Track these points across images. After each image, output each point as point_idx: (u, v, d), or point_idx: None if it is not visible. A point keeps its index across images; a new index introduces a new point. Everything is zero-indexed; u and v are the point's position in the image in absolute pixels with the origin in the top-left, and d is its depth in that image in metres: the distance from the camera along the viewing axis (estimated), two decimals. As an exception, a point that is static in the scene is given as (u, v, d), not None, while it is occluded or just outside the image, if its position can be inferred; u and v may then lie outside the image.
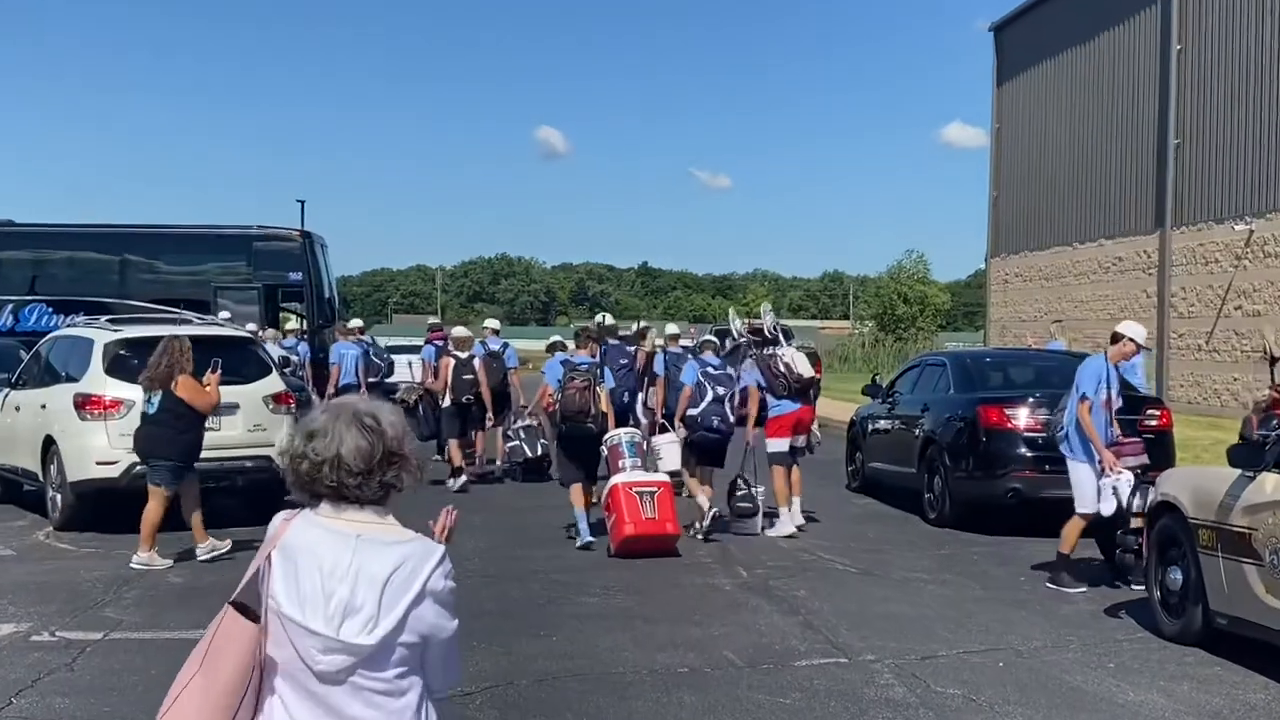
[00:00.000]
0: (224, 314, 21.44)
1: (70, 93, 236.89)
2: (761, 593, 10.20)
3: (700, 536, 12.58)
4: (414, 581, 2.89)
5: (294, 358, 22.36)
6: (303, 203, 34.85)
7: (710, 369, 13.00)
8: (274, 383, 13.72)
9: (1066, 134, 35.48)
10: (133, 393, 12.78)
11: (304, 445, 2.98)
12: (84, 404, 12.74)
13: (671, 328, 17.52)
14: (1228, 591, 8.01)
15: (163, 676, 7.47)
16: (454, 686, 3.10)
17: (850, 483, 16.83)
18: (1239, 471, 8.00)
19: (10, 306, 27.08)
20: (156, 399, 11.34)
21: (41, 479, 13.45)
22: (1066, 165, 35.38)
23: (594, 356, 12.89)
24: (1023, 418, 13.10)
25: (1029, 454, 13.00)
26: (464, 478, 16.61)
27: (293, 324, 26.36)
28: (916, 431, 14.43)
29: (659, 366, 15.73)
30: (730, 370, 13.19)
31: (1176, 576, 8.60)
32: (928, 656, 8.19)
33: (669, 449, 13.06)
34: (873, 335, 67.06)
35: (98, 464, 12.66)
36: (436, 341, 19.76)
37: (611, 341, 15.89)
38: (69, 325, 15.34)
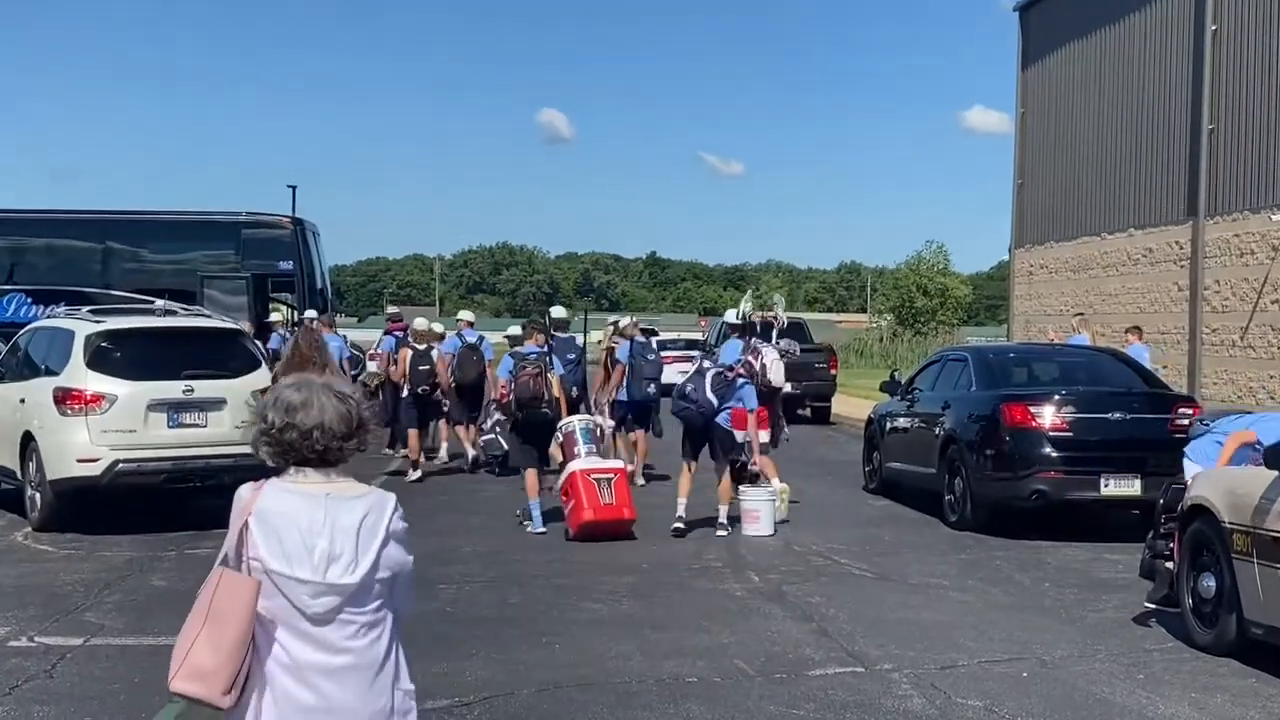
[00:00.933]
0: (394, 308, 21.16)
1: (49, 71, 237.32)
2: (774, 598, 10.19)
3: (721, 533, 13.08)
4: (379, 527, 3.56)
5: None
6: (294, 188, 34.99)
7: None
8: (263, 377, 13.71)
9: (1094, 118, 35.40)
10: (116, 387, 12.81)
11: (288, 417, 3.56)
12: (64, 399, 12.76)
13: (624, 320, 18.51)
14: (1263, 599, 7.98)
15: (146, 684, 7.56)
16: (411, 614, 3.80)
17: (867, 484, 16.82)
18: (1276, 473, 7.97)
19: None
20: None
21: (20, 477, 13.47)
22: (1094, 151, 35.30)
23: (541, 346, 13.94)
24: (1048, 416, 13.09)
25: (1054, 454, 12.99)
26: (420, 471, 17.42)
27: (277, 315, 26.34)
28: (937, 430, 14.41)
29: (623, 354, 16.72)
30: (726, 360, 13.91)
31: (1210, 584, 8.58)
32: (948, 666, 8.18)
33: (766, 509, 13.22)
34: (891, 329, 67.04)
35: (78, 461, 12.68)
36: (396, 333, 20.38)
37: (561, 335, 16.91)
38: (49, 316, 15.29)
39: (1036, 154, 39.41)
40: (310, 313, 21.93)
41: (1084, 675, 8.01)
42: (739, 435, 13.13)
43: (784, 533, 13.28)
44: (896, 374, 17.87)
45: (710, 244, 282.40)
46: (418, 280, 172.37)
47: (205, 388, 13.19)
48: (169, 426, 12.97)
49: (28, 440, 13.21)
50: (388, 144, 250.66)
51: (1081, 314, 24.37)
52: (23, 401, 13.48)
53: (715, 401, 12.86)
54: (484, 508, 15.04)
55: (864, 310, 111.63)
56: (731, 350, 14.58)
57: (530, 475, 13.14)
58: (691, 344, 38.44)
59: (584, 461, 12.81)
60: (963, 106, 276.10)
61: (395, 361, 18.76)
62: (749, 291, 20.67)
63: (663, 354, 38.66)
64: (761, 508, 13.12)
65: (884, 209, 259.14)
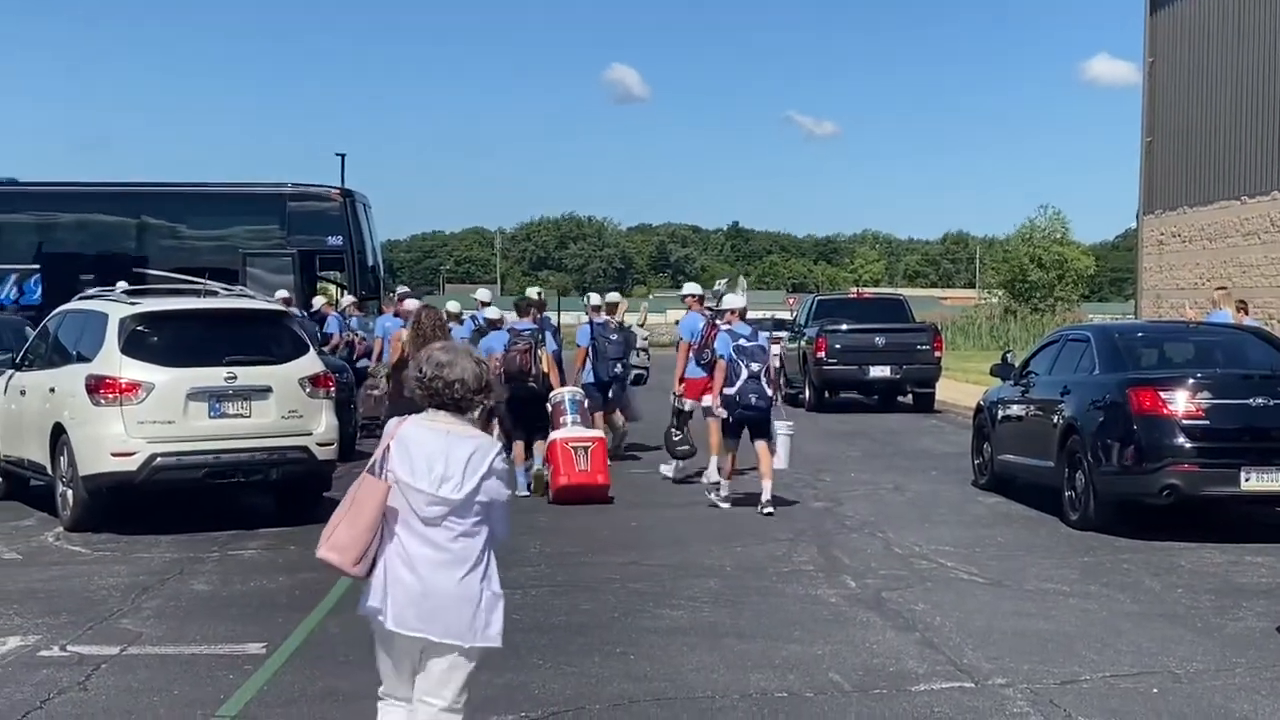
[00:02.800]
0: (404, 288, 21.50)
1: (77, 32, 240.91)
2: (873, 605, 10.17)
3: (769, 510, 14.35)
4: (484, 463, 5.25)
5: (358, 335, 22.75)
6: (343, 156, 35.41)
7: (744, 341, 14.68)
8: (310, 363, 13.89)
9: (1234, 67, 34.84)
10: (153, 375, 13.00)
11: (437, 371, 5.30)
12: (97, 387, 12.97)
13: (594, 298, 19.91)
14: None
15: (186, 697, 7.69)
16: (505, 538, 5.45)
17: (977, 478, 16.72)
18: None
19: (14, 277, 27.64)
20: None
21: (50, 473, 13.73)
22: (1234, 104, 34.75)
23: (535, 323, 16.27)
24: (1181, 402, 12.93)
25: (1188, 445, 12.83)
26: None
27: (321, 298, 26.61)
28: (1055, 418, 14.28)
29: (583, 337, 18.37)
30: (762, 342, 14.92)
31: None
32: (1068, 681, 8.13)
33: (785, 441, 15.08)
34: (1002, 306, 66.50)
35: (113, 456, 12.88)
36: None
37: (549, 314, 18.75)
38: (80, 298, 15.56)
39: (1168, 108, 38.88)
40: (404, 289, 22.08)
41: (1221, 691, 7.92)
42: (689, 403, 16.54)
43: (884, 533, 13.26)
44: (1009, 356, 17.70)
45: (799, 213, 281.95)
46: (477, 256, 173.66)
47: (249, 375, 13.36)
48: (210, 417, 13.15)
49: (58, 433, 13.45)
50: (443, 108, 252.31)
51: (1224, 288, 23.98)
52: (53, 391, 13.73)
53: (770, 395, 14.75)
54: (550, 507, 15.11)
55: (972, 285, 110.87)
56: (691, 322, 17.28)
57: (517, 445, 15.57)
58: (780, 324, 38.34)
59: (565, 431, 15.20)
60: (1085, 55, 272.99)
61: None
62: (741, 279, 23.46)
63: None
64: (783, 441, 14.87)
65: (994, 173, 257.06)
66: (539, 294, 19.44)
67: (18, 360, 15.11)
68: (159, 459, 12.96)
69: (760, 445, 14.64)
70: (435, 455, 5.23)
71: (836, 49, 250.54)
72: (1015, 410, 15.76)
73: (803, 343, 28.91)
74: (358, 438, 20.23)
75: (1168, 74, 38.89)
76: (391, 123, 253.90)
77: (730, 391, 14.53)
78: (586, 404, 16.33)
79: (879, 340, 27.96)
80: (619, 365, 18.14)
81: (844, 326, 28.21)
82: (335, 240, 28.26)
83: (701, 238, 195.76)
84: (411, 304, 19.62)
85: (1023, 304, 64.94)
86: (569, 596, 10.50)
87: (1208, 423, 12.88)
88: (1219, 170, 35.65)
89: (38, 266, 27.89)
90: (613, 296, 19.90)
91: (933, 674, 8.28)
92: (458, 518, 5.23)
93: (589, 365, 18.24)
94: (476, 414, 5.36)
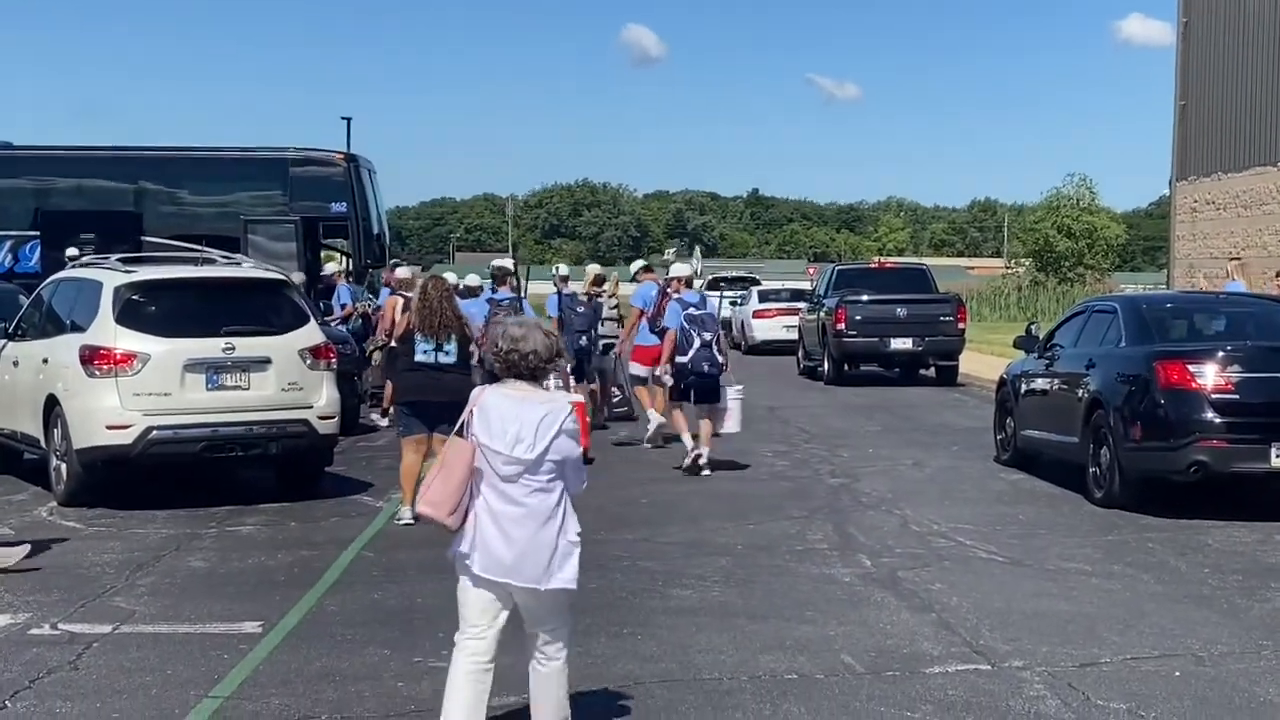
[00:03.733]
0: (503, 260, 21.72)
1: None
2: (888, 585, 10.18)
3: (707, 471, 15.30)
4: (555, 424, 6.10)
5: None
6: (349, 121, 35.25)
7: (693, 310, 15.55)
8: (311, 334, 13.90)
9: (1270, 29, 34.62)
10: (148, 345, 13.01)
11: (512, 344, 6.18)
12: (91, 358, 12.99)
13: (563, 269, 20.87)
14: None
15: (179, 676, 7.73)
16: (579, 492, 6.33)
17: (999, 454, 16.70)
18: None
19: (9, 244, 27.71)
20: (452, 347, 12.44)
21: (44, 446, 13.78)
22: (1270, 67, 34.54)
23: (513, 292, 17.79)
24: (1210, 375, 12.88)
25: (1218, 420, 12.78)
26: (388, 420, 18.62)
27: (333, 265, 26.61)
28: (1080, 393, 14.25)
29: (552, 308, 18.82)
30: (711, 310, 15.85)
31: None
32: (1088, 663, 8.12)
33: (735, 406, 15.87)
34: (1030, 276, 66.33)
35: (108, 429, 12.92)
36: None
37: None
38: (75, 265, 15.58)
39: (1203, 70, 38.67)
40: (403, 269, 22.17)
41: (1245, 675, 7.91)
42: (644, 370, 17.76)
43: (901, 511, 13.26)
44: (1034, 328, 17.66)
45: (821, 180, 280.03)
46: (488, 223, 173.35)
47: (248, 345, 13.38)
48: (208, 389, 13.17)
49: (52, 405, 13.49)
50: (452, 70, 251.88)
51: (1238, 258, 23.90)
52: (46, 361, 13.77)
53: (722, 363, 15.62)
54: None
55: (999, 254, 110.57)
56: (644, 291, 18.15)
57: None
58: (797, 294, 38.31)
59: None
60: (1118, 15, 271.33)
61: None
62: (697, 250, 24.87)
63: (764, 306, 39.07)
64: (732, 405, 15.62)
65: (1024, 137, 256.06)
66: (514, 263, 20.24)
67: (10, 330, 15.12)
68: (155, 432, 12.99)
69: (706, 410, 15.53)
70: (510, 419, 6.11)
71: (858, 8, 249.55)
72: (1039, 384, 15.72)
73: (822, 314, 28.86)
74: (362, 409, 20.30)
75: (1202, 35, 38.66)
76: (400, 86, 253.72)
77: (683, 360, 15.34)
78: (566, 369, 16.87)
79: (900, 311, 27.89)
80: (584, 337, 18.60)
81: (864, 297, 28.16)
82: (339, 207, 28.28)
83: (720, 205, 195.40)
84: (404, 272, 19.98)
85: (1050, 274, 64.78)
86: (575, 575, 10.50)
87: (1237, 397, 12.83)
88: (1254, 135, 35.47)
89: (35, 233, 27.94)
90: (593, 268, 20.66)
91: (948, 656, 8.29)
92: (532, 475, 6.10)
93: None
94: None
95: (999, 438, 16.87)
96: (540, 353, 6.18)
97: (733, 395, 15.76)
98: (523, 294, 19.94)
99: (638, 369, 18.07)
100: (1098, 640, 8.64)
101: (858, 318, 27.67)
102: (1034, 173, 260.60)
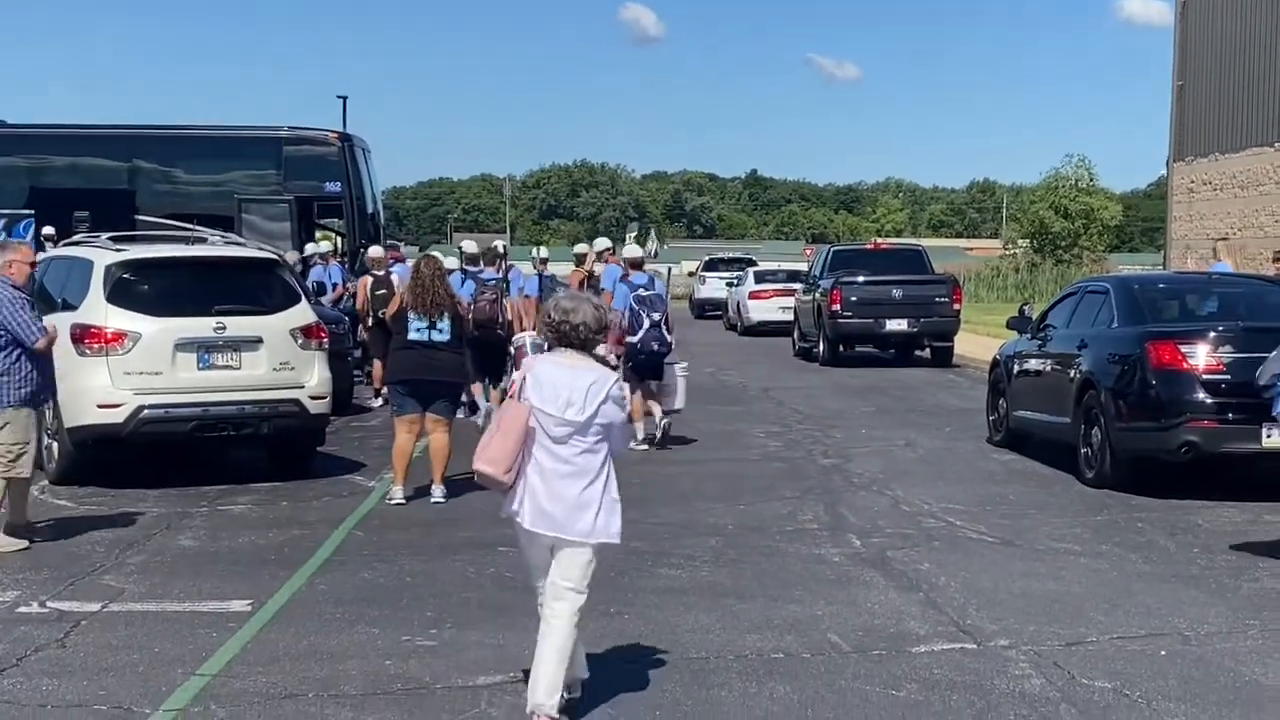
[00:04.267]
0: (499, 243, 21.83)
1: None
2: (877, 565, 10.21)
3: (653, 446, 15.76)
4: (602, 390, 6.64)
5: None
6: (345, 99, 35.22)
7: (642, 291, 16.08)
8: (303, 313, 13.89)
9: (1270, 9, 34.57)
10: (139, 324, 13.01)
11: (563, 316, 6.71)
12: (82, 337, 12.98)
13: (542, 251, 21.74)
14: None
15: (167, 654, 7.75)
16: (622, 453, 6.91)
17: (992, 435, 16.71)
18: None
19: (2, 222, 27.66)
20: (445, 325, 12.58)
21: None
22: (1269, 46, 34.50)
23: (499, 272, 18.20)
24: (1201, 356, 12.89)
25: (1209, 400, 12.78)
26: (381, 399, 18.91)
27: (326, 244, 26.60)
28: (1072, 373, 14.26)
29: (531, 288, 19.35)
30: (659, 290, 16.51)
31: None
32: (1074, 642, 8.16)
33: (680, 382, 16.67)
34: (1027, 257, 66.31)
35: (99, 407, 12.91)
36: (391, 261, 21.10)
37: (471, 268, 19.20)
38: (66, 244, 15.57)
39: (1200, 51, 38.63)
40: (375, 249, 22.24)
41: (1231, 654, 7.94)
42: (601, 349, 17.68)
43: (893, 491, 13.29)
44: (1027, 309, 17.65)
45: (820, 161, 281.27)
46: (486, 203, 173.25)
47: (239, 325, 13.37)
48: (199, 368, 13.17)
49: (44, 383, 13.45)
50: (450, 49, 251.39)
51: (1224, 238, 23.87)
52: (37, 340, 13.73)
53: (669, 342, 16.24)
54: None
55: (998, 235, 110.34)
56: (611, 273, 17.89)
57: (476, 387, 16.94)
58: (793, 275, 38.28)
59: None
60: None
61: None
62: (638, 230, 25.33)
63: (760, 287, 39.10)
64: (678, 382, 16.49)
65: (1023, 118, 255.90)
66: (504, 246, 20.81)
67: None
68: (146, 411, 12.99)
69: (652, 385, 16.20)
70: (561, 385, 6.64)
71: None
72: (1032, 365, 15.73)
73: (817, 295, 28.84)
74: (356, 390, 20.33)
75: (1200, 15, 38.61)
76: (397, 65, 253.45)
77: (633, 340, 15.79)
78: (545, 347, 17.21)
79: (896, 292, 27.88)
80: None
81: (860, 278, 28.13)
82: (333, 186, 28.21)
83: (718, 186, 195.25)
84: (375, 251, 20.46)
85: (1047, 256, 64.73)
86: (565, 554, 10.53)
87: (1228, 377, 12.83)
88: (1251, 116, 35.44)
89: (29, 211, 27.92)
90: (581, 247, 20.84)
91: (934, 635, 8.32)
92: (580, 436, 6.63)
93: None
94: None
95: (991, 418, 16.88)
96: (590, 324, 6.72)
97: (679, 371, 16.50)
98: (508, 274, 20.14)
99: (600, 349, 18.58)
100: (1084, 620, 8.66)
101: (853, 299, 27.65)
102: (1034, 154, 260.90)
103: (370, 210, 29.56)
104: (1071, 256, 63.45)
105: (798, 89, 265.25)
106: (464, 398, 16.34)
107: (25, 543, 10.68)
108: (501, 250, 20.00)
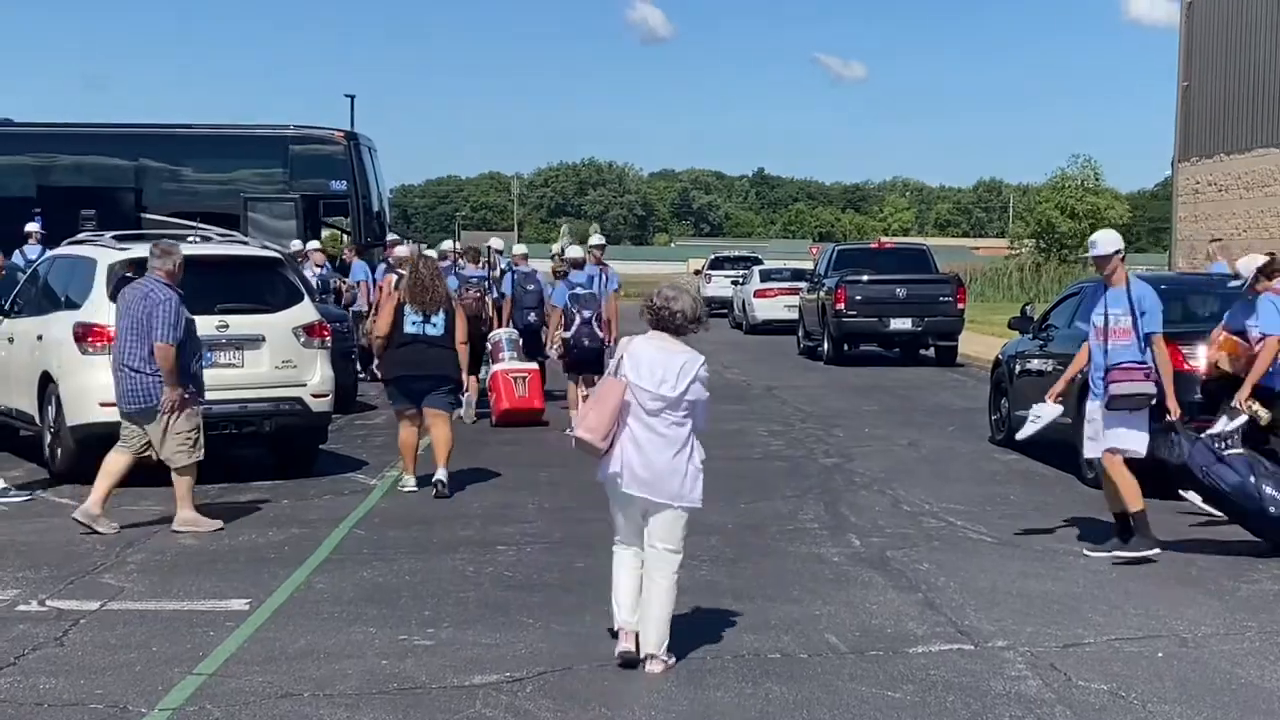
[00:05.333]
0: (495, 242, 22.30)
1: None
2: (876, 565, 10.19)
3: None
4: (691, 370, 7.43)
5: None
6: (352, 98, 35.40)
7: (579, 289, 17.23)
8: (305, 311, 13.89)
9: (1276, 9, 34.49)
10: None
11: (665, 303, 7.48)
12: (85, 335, 12.98)
13: (519, 248, 21.77)
14: None
15: (164, 653, 7.74)
16: (705, 429, 7.60)
17: (994, 434, 16.69)
18: None
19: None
20: (439, 319, 12.86)
21: (38, 423, 13.78)
22: (1273, 48, 34.42)
23: (482, 271, 19.33)
24: (1201, 358, 12.84)
25: (1209, 402, 12.72)
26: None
27: (314, 243, 26.54)
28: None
29: (506, 286, 19.91)
30: (595, 290, 17.36)
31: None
32: (1071, 644, 8.15)
33: None
34: (1032, 257, 66.21)
35: (101, 405, 12.83)
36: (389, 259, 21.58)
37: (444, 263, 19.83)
38: (70, 242, 15.55)
39: (1206, 51, 38.53)
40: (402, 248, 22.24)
41: (1228, 656, 7.92)
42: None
43: (894, 490, 13.27)
44: (1029, 309, 17.62)
45: (826, 160, 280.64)
46: (494, 201, 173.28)
47: (241, 323, 13.37)
48: (201, 366, 13.12)
49: (46, 382, 13.49)
50: (458, 48, 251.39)
51: (1219, 239, 23.80)
52: (40, 339, 13.76)
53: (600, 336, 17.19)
54: (554, 460, 15.13)
55: (1004, 235, 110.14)
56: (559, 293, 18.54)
57: (471, 379, 17.63)
58: (799, 274, 38.25)
59: (505, 364, 18.07)
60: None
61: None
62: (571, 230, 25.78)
63: (766, 285, 39.08)
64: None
65: (1030, 117, 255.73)
66: (495, 245, 21.77)
67: (6, 306, 15.12)
68: (215, 407, 12.93)
69: (583, 380, 16.99)
70: (656, 364, 7.45)
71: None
72: (1034, 364, 15.69)
73: (822, 294, 28.83)
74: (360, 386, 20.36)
75: (1206, 15, 38.51)
76: (405, 63, 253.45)
77: (567, 335, 17.13)
78: (520, 342, 18.81)
79: (900, 291, 27.86)
80: (533, 314, 19.42)
81: (864, 277, 28.12)
82: (339, 185, 28.22)
83: (725, 184, 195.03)
84: (402, 250, 20.45)
85: (1052, 256, 64.63)
86: (563, 553, 10.53)
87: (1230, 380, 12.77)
88: (1257, 117, 35.35)
89: (36, 210, 27.93)
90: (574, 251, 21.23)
91: (932, 636, 8.30)
92: (671, 410, 7.43)
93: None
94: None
95: (994, 418, 16.85)
96: (686, 313, 7.51)
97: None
98: (493, 270, 20.66)
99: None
100: (1082, 621, 8.65)
101: (857, 297, 27.64)
102: (1040, 153, 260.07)
103: (376, 208, 29.57)
104: (1077, 256, 63.29)
105: (805, 88, 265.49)
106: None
107: (219, 523, 11.34)
108: (499, 248, 21.42)
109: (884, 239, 54.37)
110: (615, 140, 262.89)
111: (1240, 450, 10.38)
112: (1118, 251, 10.81)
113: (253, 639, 8.15)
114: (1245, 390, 10.98)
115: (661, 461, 7.42)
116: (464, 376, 15.13)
